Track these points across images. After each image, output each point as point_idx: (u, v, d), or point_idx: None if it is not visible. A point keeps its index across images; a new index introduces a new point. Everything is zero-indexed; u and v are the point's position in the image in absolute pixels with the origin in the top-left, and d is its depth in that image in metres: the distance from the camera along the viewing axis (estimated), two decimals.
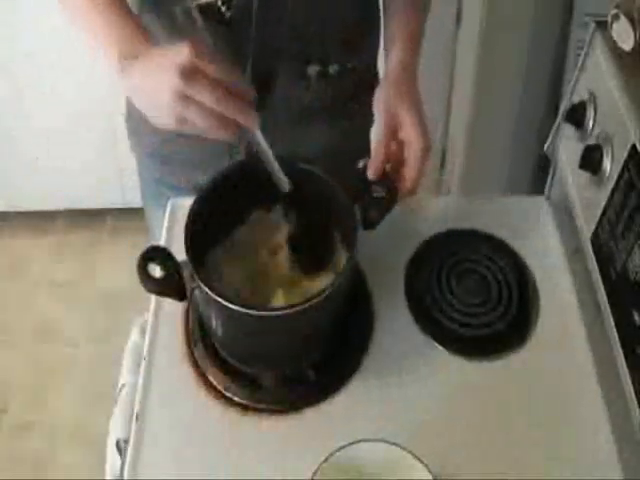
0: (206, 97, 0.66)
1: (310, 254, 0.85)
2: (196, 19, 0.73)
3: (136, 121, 1.04)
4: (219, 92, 0.66)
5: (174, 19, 0.75)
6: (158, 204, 1.05)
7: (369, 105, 1.06)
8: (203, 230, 0.78)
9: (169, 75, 0.66)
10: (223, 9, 0.84)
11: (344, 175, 0.84)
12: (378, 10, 0.99)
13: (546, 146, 0.98)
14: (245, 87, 0.70)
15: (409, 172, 0.82)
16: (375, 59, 1.05)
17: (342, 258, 0.84)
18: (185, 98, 0.67)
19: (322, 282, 0.82)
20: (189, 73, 0.66)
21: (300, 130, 0.99)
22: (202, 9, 0.84)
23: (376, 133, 0.83)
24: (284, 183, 0.78)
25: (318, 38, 0.91)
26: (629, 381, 0.72)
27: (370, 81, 1.06)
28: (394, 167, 0.83)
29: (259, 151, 0.75)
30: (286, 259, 0.86)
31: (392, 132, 0.83)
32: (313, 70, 0.93)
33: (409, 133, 0.82)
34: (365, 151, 1.13)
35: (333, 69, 0.95)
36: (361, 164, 0.83)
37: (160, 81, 0.67)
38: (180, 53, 0.67)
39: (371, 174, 0.81)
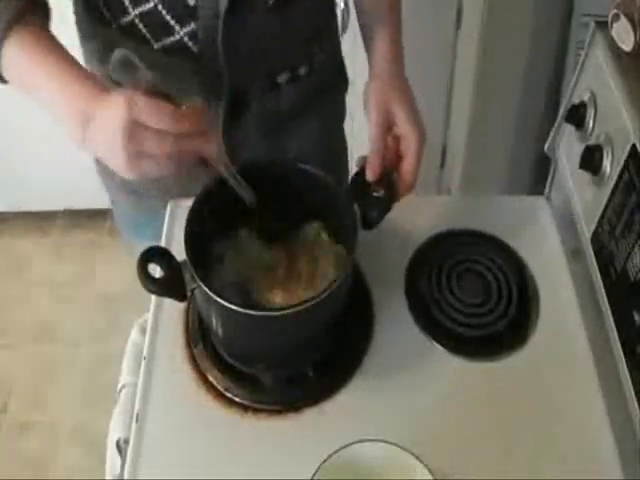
0: (156, 148, 0.64)
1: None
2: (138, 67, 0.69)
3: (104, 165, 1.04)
4: (168, 139, 0.64)
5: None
6: (139, 234, 1.04)
7: (337, 98, 1.06)
8: (203, 230, 0.78)
9: (116, 139, 0.64)
10: (190, 44, 0.83)
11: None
12: (334, 1, 0.99)
13: (546, 146, 0.98)
14: (195, 107, 0.66)
15: (407, 166, 0.82)
16: (338, 46, 1.05)
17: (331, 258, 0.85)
18: (138, 155, 0.65)
19: (321, 283, 0.83)
20: (133, 131, 0.63)
21: (276, 138, 0.98)
22: (169, 50, 0.83)
23: (371, 132, 0.83)
24: (249, 197, 0.77)
25: (284, 50, 0.90)
26: (629, 381, 0.72)
27: (336, 69, 1.06)
28: (392, 163, 0.83)
29: (223, 170, 0.73)
30: (285, 257, 0.86)
31: (387, 129, 0.82)
32: (283, 78, 0.93)
33: (404, 128, 0.82)
34: (341, 148, 1.13)
35: (302, 71, 0.94)
36: (359, 164, 0.83)
37: (111, 148, 0.65)
38: (118, 110, 0.63)
39: (370, 175, 0.81)
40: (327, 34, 0.99)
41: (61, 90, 0.68)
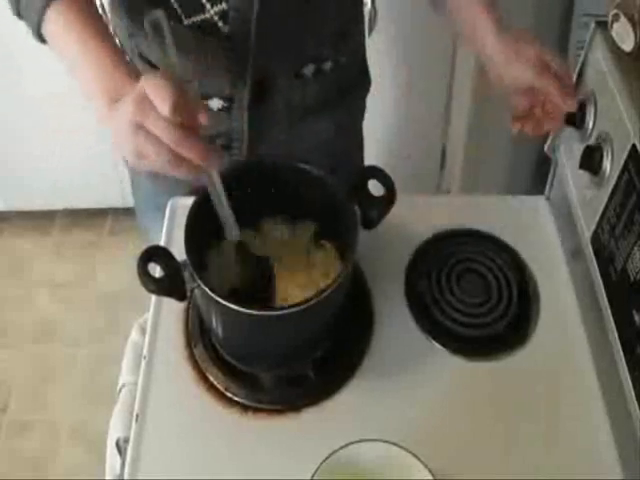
0: (161, 132, 0.63)
1: None
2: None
3: None
4: (175, 129, 0.63)
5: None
6: (155, 215, 1.04)
7: (359, 97, 1.07)
8: (203, 230, 0.78)
9: (127, 104, 0.64)
10: (220, 24, 0.84)
11: (340, 171, 0.84)
12: (361, 1, 1.00)
13: (546, 146, 0.98)
14: (205, 119, 0.66)
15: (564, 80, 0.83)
16: (363, 50, 1.06)
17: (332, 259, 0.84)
18: (141, 129, 0.64)
19: (320, 283, 0.83)
20: (142, 103, 0.63)
21: (298, 128, 0.99)
22: (198, 28, 0.84)
23: (538, 81, 0.83)
24: (233, 231, 0.76)
25: (312, 40, 0.92)
26: (629, 381, 0.72)
27: (360, 72, 1.07)
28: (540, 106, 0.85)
29: (213, 193, 0.72)
30: (284, 256, 0.86)
31: (544, 66, 0.83)
32: (309, 70, 0.94)
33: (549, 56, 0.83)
34: (358, 146, 1.14)
35: (327, 66, 0.96)
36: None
37: (122, 111, 0.65)
38: (141, 84, 0.64)
39: (571, 105, 0.83)
40: (354, 34, 1.00)
41: (96, 67, 0.72)
